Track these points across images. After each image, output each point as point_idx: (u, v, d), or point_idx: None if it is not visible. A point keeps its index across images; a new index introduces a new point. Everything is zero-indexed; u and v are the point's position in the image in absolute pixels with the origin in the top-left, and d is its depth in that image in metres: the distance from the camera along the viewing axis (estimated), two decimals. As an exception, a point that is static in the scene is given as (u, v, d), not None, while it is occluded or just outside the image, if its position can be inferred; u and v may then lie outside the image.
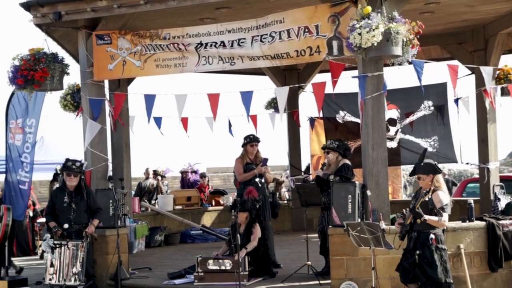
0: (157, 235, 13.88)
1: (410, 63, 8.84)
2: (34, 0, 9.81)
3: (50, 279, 8.94)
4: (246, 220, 9.61)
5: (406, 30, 8.33)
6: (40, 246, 14.45)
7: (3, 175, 11.86)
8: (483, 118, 12.63)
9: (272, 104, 14.92)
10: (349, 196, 8.66)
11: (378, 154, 8.84)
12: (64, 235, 9.12)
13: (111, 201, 9.85)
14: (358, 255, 8.51)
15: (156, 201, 16.26)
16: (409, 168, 24.97)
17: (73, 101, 10.89)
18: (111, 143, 11.58)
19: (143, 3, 9.41)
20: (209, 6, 9.77)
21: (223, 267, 9.11)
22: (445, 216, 7.23)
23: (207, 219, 15.42)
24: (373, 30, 8.12)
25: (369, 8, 8.35)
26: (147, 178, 17.56)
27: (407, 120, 13.45)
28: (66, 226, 9.09)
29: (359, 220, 8.46)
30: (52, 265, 8.92)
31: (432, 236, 7.26)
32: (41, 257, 13.38)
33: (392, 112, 13.39)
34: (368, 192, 8.68)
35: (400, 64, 8.69)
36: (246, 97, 9.93)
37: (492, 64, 11.97)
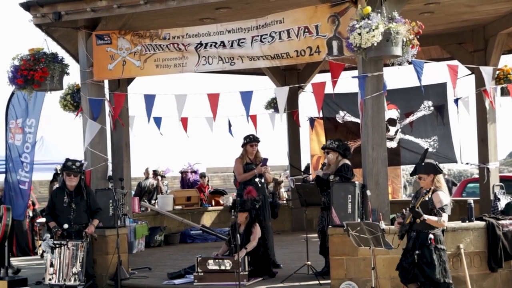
0: (157, 235, 13.88)
1: (410, 63, 8.84)
2: (34, 0, 9.81)
3: (50, 279, 8.94)
4: (246, 220, 9.61)
5: (406, 30, 8.33)
6: (40, 246, 14.46)
7: (3, 175, 11.86)
8: (483, 118, 12.63)
9: (272, 104, 14.93)
10: (349, 196, 8.66)
11: (378, 154, 8.84)
12: (64, 235, 9.12)
13: (111, 201, 9.85)
14: (358, 255, 8.51)
15: (156, 201, 16.26)
16: (409, 168, 24.97)
17: (73, 101, 10.89)
18: (111, 143, 11.58)
19: (143, 3, 9.41)
20: (209, 6, 9.78)
21: (223, 267, 9.12)
22: (445, 217, 7.23)
23: (207, 219, 15.42)
24: (373, 30, 8.12)
25: (369, 8, 8.35)
26: (147, 178, 17.55)
27: (407, 120, 13.45)
28: (66, 226, 9.09)
29: (359, 220, 8.46)
30: (52, 265, 8.92)
31: (431, 236, 7.26)
32: (42, 257, 13.38)
33: (392, 112, 13.39)
34: (368, 192, 8.68)
35: (400, 64, 8.69)
36: (246, 97, 9.93)
37: (492, 64, 11.98)
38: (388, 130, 12.69)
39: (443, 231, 7.50)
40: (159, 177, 17.56)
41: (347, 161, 9.37)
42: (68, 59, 10.69)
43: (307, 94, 14.55)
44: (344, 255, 8.62)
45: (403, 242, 7.52)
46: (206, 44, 9.88)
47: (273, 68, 14.27)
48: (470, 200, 9.23)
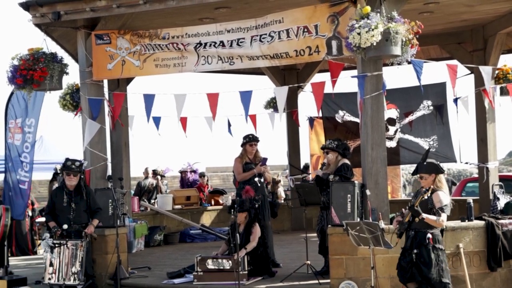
0: (157, 234, 13.89)
1: (409, 62, 8.84)
2: (33, 0, 9.81)
3: (49, 279, 8.93)
4: (245, 220, 9.61)
5: (405, 30, 8.34)
6: (39, 245, 14.46)
7: (3, 175, 11.87)
8: (482, 117, 12.63)
9: (272, 104, 14.93)
10: (349, 195, 8.67)
11: (377, 153, 8.84)
12: (63, 235, 9.11)
13: (110, 200, 9.85)
14: (358, 255, 8.52)
15: (156, 200, 16.27)
16: (408, 167, 25.04)
17: (72, 101, 10.88)
18: (110, 143, 11.58)
19: (142, 3, 9.41)
20: (208, 6, 9.78)
21: (222, 267, 9.12)
22: (444, 216, 7.23)
23: (207, 219, 15.43)
24: (372, 30, 8.13)
25: (368, 8, 8.36)
26: (146, 177, 17.56)
27: (406, 120, 13.45)
28: (65, 227, 9.07)
29: (358, 219, 8.46)
30: (51, 264, 8.91)
31: (429, 235, 7.26)
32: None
33: (391, 112, 13.39)
34: (368, 192, 8.68)
35: (399, 64, 8.69)
36: (245, 96, 9.93)
37: (491, 64, 11.98)
38: (387, 130, 12.69)
39: (442, 231, 7.50)
40: (159, 177, 17.56)
41: (346, 161, 9.37)
42: (67, 58, 10.71)
43: (306, 93, 14.56)
44: (344, 255, 8.62)
45: (402, 241, 7.52)
46: (206, 43, 9.88)
47: (272, 67, 14.28)
48: (470, 199, 9.23)
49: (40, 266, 11.02)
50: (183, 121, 11.10)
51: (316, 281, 8.89)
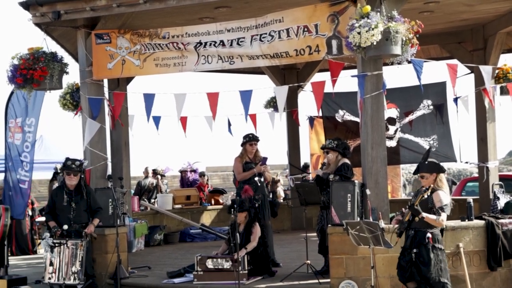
0: (157, 234, 13.89)
1: (409, 62, 8.84)
2: (33, -1, 9.82)
3: (49, 278, 8.92)
4: (245, 220, 9.61)
5: (405, 29, 8.33)
6: (39, 245, 14.46)
7: (3, 174, 11.87)
8: (482, 117, 12.63)
9: (272, 103, 14.93)
10: (349, 195, 8.66)
11: (377, 153, 8.84)
12: (63, 234, 9.11)
13: (110, 200, 9.85)
14: (358, 254, 8.52)
15: (156, 200, 16.27)
16: (409, 167, 25.03)
17: (72, 100, 10.89)
18: (110, 142, 11.57)
19: (142, 2, 9.41)
20: (208, 5, 9.77)
21: (222, 266, 9.12)
22: (443, 216, 7.22)
23: (207, 218, 15.43)
24: (373, 29, 8.12)
25: (368, 7, 8.35)
26: (146, 177, 17.56)
27: (407, 119, 13.46)
28: (65, 227, 9.04)
29: (358, 219, 8.46)
30: (51, 264, 8.90)
31: (429, 235, 7.25)
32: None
33: (391, 111, 13.40)
34: (368, 191, 8.68)
35: (399, 63, 8.69)
36: (246, 96, 9.93)
37: (491, 63, 11.99)
38: (387, 129, 12.69)
39: (442, 230, 7.50)
40: (159, 176, 17.57)
41: (346, 160, 9.37)
42: (67, 58, 10.71)
43: (306, 93, 14.57)
44: (344, 254, 8.62)
45: (401, 240, 7.52)
46: (206, 43, 9.88)
47: (272, 67, 14.27)
48: (470, 199, 9.23)
49: (40, 266, 11.01)
50: (183, 120, 11.11)
51: (316, 281, 8.89)
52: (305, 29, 9.25)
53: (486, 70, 10.14)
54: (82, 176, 9.47)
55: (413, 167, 9.45)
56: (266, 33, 9.50)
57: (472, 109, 12.24)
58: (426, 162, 7.44)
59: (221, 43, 9.80)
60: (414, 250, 7.30)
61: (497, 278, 8.83)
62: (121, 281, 9.42)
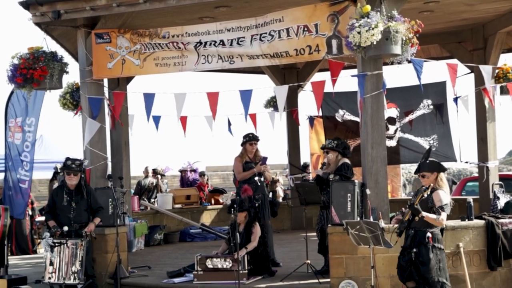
0: (157, 233, 13.89)
1: (409, 62, 8.83)
2: (33, -2, 9.82)
3: (49, 278, 8.91)
4: (245, 220, 9.61)
5: (405, 29, 8.33)
6: (39, 244, 14.46)
7: (3, 174, 11.87)
8: (482, 116, 12.63)
9: (272, 103, 14.93)
10: (349, 194, 8.66)
11: (377, 152, 8.84)
12: (63, 234, 9.10)
13: (110, 199, 9.84)
14: (358, 254, 8.51)
15: (156, 199, 16.27)
16: (409, 166, 25.03)
17: (72, 100, 10.89)
18: (110, 142, 11.58)
19: (142, 2, 9.41)
20: (208, 5, 9.77)
21: (222, 266, 9.12)
22: (443, 215, 7.21)
23: (207, 218, 15.43)
24: (373, 29, 8.12)
25: (368, 7, 8.35)
26: (146, 176, 17.57)
27: (407, 119, 13.45)
28: (66, 228, 9.00)
29: (358, 218, 8.46)
30: (51, 263, 8.90)
31: (429, 234, 7.25)
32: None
33: (391, 111, 13.39)
34: (368, 191, 8.68)
35: (399, 63, 8.69)
36: (246, 96, 9.92)
37: (491, 63, 11.98)
38: (387, 129, 12.69)
39: (442, 230, 7.49)
40: (159, 176, 17.57)
41: (346, 160, 9.37)
42: (67, 57, 10.70)
43: (306, 92, 14.57)
44: (344, 254, 8.62)
45: (401, 239, 7.52)
46: (206, 42, 9.88)
47: (272, 66, 14.27)
48: (470, 198, 9.23)
49: (40, 265, 11.01)
50: (183, 120, 11.11)
51: (316, 280, 8.89)
52: (305, 29, 9.24)
53: (486, 70, 10.13)
54: (82, 175, 9.46)
55: (413, 167, 9.45)
56: (266, 33, 9.50)
57: (472, 108, 12.24)
58: (427, 161, 7.44)
59: (221, 43, 9.80)
60: (414, 250, 7.29)
61: (497, 278, 8.83)
62: (121, 280, 9.42)
